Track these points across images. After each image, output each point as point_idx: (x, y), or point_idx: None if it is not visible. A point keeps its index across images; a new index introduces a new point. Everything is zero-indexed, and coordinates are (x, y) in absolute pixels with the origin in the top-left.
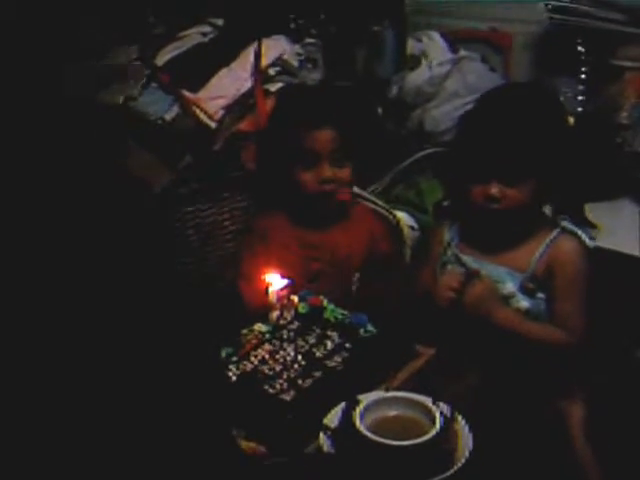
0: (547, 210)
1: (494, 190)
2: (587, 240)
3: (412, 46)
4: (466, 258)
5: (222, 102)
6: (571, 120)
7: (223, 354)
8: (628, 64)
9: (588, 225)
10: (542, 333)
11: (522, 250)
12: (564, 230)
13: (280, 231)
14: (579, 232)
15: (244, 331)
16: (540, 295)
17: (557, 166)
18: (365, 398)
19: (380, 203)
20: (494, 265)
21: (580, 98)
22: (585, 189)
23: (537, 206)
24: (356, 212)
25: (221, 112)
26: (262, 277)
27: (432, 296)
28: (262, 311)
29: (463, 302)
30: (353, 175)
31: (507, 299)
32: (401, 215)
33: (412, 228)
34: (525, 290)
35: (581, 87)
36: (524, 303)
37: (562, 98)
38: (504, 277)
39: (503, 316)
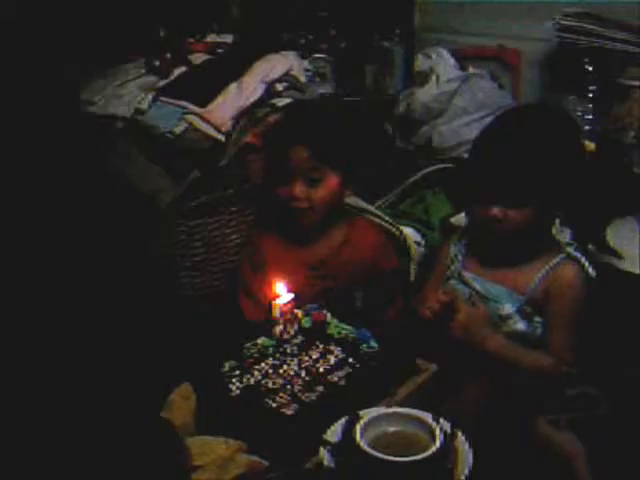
0: (566, 235)
1: (495, 211)
2: (590, 269)
3: (421, 63)
4: (468, 275)
5: (230, 113)
6: (591, 146)
7: (226, 367)
8: (636, 83)
9: (611, 252)
10: (532, 361)
11: (524, 272)
12: (568, 256)
13: (280, 253)
14: (583, 260)
15: (247, 345)
16: (537, 319)
17: (561, 191)
18: (366, 413)
19: (386, 218)
20: (494, 284)
21: (588, 117)
22: (601, 213)
23: (541, 228)
24: (358, 227)
25: (229, 123)
26: (267, 290)
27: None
28: (264, 325)
29: (450, 327)
30: (334, 193)
31: (504, 320)
32: (407, 231)
33: (418, 244)
34: (523, 313)
35: (589, 106)
36: (520, 326)
37: None
38: (503, 297)
39: (493, 344)
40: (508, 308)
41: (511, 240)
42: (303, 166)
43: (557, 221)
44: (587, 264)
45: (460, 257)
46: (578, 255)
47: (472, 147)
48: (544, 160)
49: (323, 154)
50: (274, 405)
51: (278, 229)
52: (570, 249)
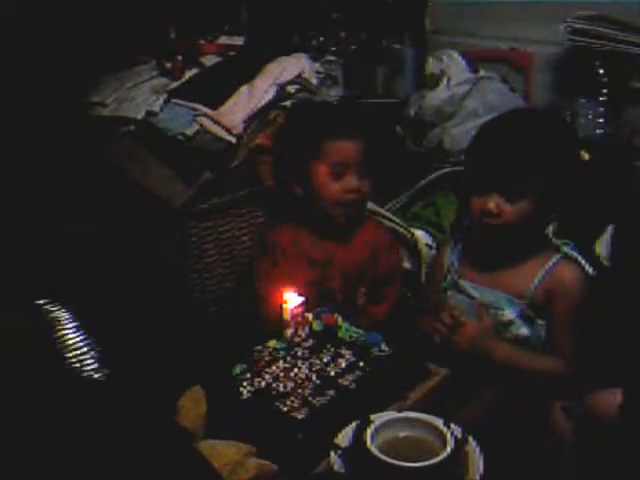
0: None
1: (491, 205)
2: (588, 267)
3: (432, 65)
4: (465, 283)
5: (241, 115)
6: (586, 156)
7: (237, 370)
8: None
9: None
10: (540, 366)
11: (521, 275)
12: (565, 256)
13: (289, 247)
14: (581, 259)
15: (258, 348)
16: (540, 322)
17: (557, 189)
18: (377, 418)
19: (397, 221)
20: (493, 291)
21: (599, 120)
22: (594, 218)
23: (536, 229)
24: (364, 227)
25: (240, 126)
26: (278, 294)
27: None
28: (278, 327)
29: (456, 342)
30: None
31: (506, 326)
32: (418, 233)
33: (429, 246)
34: (525, 317)
35: (601, 109)
36: (524, 330)
37: (582, 120)
38: (503, 304)
39: (501, 354)
40: (509, 314)
41: (504, 238)
42: (359, 158)
43: (551, 228)
44: (584, 263)
45: (455, 266)
46: (575, 254)
47: (472, 140)
48: (542, 153)
49: (371, 147)
50: (285, 409)
51: (296, 226)
52: (567, 248)
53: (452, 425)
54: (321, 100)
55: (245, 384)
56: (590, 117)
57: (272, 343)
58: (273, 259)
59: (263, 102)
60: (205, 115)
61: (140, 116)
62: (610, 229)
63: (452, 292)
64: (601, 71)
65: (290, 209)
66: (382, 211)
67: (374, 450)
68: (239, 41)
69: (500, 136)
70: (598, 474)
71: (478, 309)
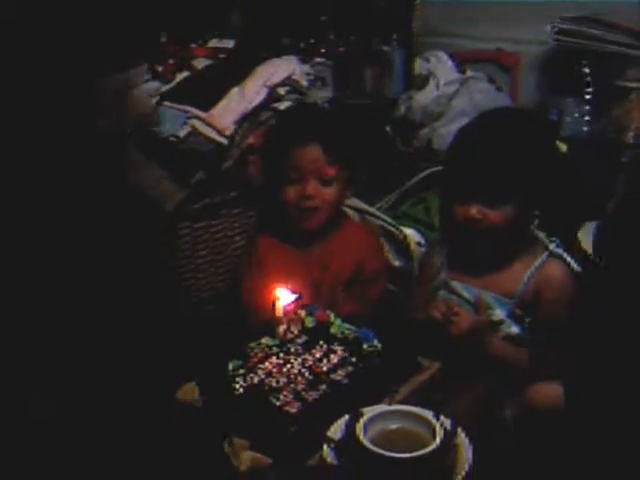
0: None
1: (474, 211)
2: (574, 264)
3: (420, 66)
4: (455, 284)
5: (233, 117)
6: (563, 147)
7: (231, 366)
8: (634, 85)
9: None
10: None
11: (509, 274)
12: (552, 254)
13: (273, 252)
14: (567, 256)
15: (251, 344)
16: (528, 320)
17: (540, 189)
18: (369, 411)
19: (388, 219)
20: (482, 291)
21: (586, 118)
22: (576, 213)
23: (522, 228)
24: (347, 229)
25: (232, 127)
26: (270, 291)
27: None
28: (269, 324)
29: (451, 333)
30: (342, 194)
31: (497, 325)
32: (408, 231)
33: (419, 244)
34: (514, 316)
35: (587, 108)
36: (514, 329)
37: (568, 118)
38: (493, 303)
39: (493, 347)
40: (499, 313)
41: (491, 241)
42: (316, 165)
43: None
44: (571, 260)
45: (445, 266)
46: (562, 252)
47: (449, 146)
48: (521, 156)
49: (336, 152)
50: (278, 403)
51: (276, 232)
52: (552, 246)
53: (442, 417)
54: (304, 104)
55: (239, 379)
56: (577, 115)
57: (265, 340)
58: (256, 267)
59: (254, 104)
60: (197, 117)
61: None
62: (591, 224)
63: (443, 292)
64: (587, 70)
65: (273, 215)
66: (372, 210)
67: (366, 442)
68: (229, 44)
69: (476, 145)
70: (538, 461)
71: (478, 303)
